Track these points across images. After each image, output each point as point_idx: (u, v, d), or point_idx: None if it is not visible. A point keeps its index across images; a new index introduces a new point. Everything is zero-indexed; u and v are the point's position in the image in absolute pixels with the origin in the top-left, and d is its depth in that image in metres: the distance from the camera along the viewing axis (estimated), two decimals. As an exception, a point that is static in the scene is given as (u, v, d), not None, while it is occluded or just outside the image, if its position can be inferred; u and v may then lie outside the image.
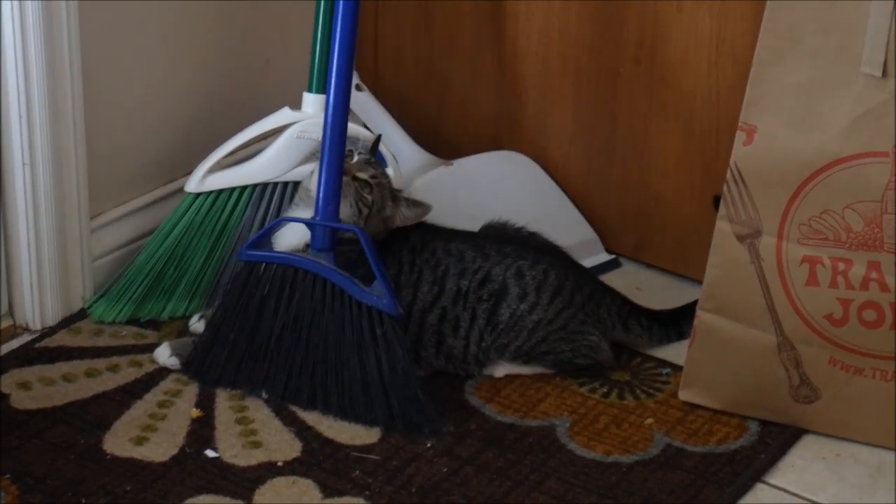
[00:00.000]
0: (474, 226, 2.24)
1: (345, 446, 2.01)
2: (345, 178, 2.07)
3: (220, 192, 2.24)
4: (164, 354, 2.15)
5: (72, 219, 2.21)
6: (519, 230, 2.22)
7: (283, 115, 2.24)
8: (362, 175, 2.09)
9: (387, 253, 2.11)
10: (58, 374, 2.13)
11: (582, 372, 2.16)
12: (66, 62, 2.13)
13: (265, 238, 2.10)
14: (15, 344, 2.19)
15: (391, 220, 2.12)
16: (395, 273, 2.11)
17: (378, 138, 2.17)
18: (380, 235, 2.11)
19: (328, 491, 1.94)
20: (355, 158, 2.10)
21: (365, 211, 2.08)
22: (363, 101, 2.44)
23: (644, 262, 2.43)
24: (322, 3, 2.21)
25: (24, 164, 2.14)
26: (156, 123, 2.32)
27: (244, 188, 2.24)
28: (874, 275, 1.96)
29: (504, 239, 2.19)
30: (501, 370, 2.16)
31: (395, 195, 2.13)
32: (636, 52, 2.32)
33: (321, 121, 2.10)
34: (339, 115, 2.08)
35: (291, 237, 2.11)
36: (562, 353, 2.14)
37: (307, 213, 2.09)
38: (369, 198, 2.08)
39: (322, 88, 2.20)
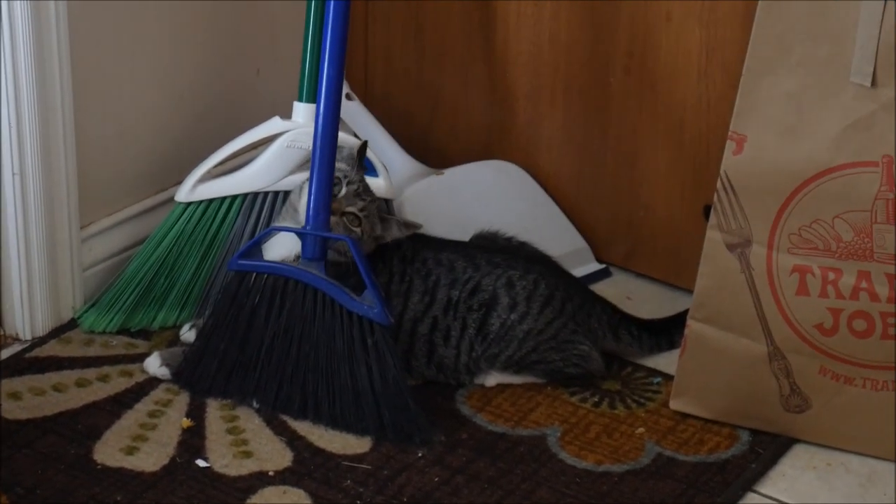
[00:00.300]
0: (465, 235, 2.24)
1: (336, 456, 2.01)
2: (333, 218, 2.06)
3: (210, 201, 2.24)
4: (154, 364, 2.15)
5: (62, 228, 2.21)
6: (509, 240, 2.23)
7: (273, 125, 2.24)
8: (351, 209, 2.08)
9: (377, 262, 2.11)
10: (48, 384, 2.13)
11: (573, 381, 2.16)
12: (56, 71, 2.12)
13: (255, 247, 2.10)
14: (5, 354, 2.19)
15: (382, 239, 2.12)
16: (385, 282, 2.11)
17: (364, 144, 2.17)
18: (370, 250, 2.11)
19: (319, 500, 1.94)
20: (343, 191, 2.09)
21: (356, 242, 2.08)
22: (353, 111, 2.44)
23: (635, 271, 2.43)
24: (312, 12, 2.21)
25: (13, 174, 2.14)
26: (146, 133, 2.32)
27: (234, 198, 2.24)
28: (864, 284, 1.96)
29: (494, 249, 2.19)
30: (492, 380, 2.16)
31: (384, 218, 2.12)
32: (626, 62, 2.33)
33: (311, 130, 2.10)
34: (330, 124, 2.08)
35: (281, 248, 2.10)
36: (552, 363, 2.14)
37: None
38: (358, 230, 2.08)
39: (312, 98, 2.20)
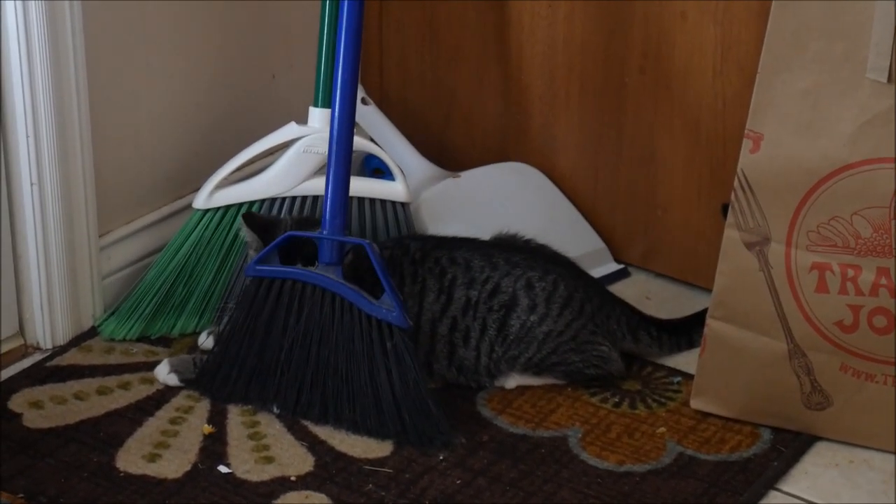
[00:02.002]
0: (482, 237, 2.23)
1: (357, 460, 2.01)
2: None
3: (228, 207, 2.24)
4: (162, 372, 2.15)
5: (80, 237, 2.21)
6: (528, 242, 2.22)
7: (289, 130, 2.25)
8: None
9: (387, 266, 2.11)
10: (69, 392, 2.13)
11: (593, 382, 2.16)
12: (73, 81, 2.13)
13: (273, 253, 2.10)
14: (26, 363, 2.19)
15: None
16: (396, 285, 2.11)
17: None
18: None
19: (341, 505, 1.94)
20: None
21: None
22: (369, 115, 2.45)
23: (653, 271, 2.43)
24: (326, 17, 2.21)
25: (31, 184, 2.15)
26: (163, 140, 2.33)
27: (252, 203, 2.25)
28: (884, 281, 1.96)
29: (513, 249, 2.19)
30: (513, 382, 2.16)
31: None
32: (641, 62, 2.33)
33: (328, 135, 2.10)
34: (345, 128, 2.08)
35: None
36: (572, 364, 2.14)
37: None
38: None
39: (328, 103, 2.20)
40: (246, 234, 2.14)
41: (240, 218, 2.16)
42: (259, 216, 2.17)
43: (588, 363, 2.14)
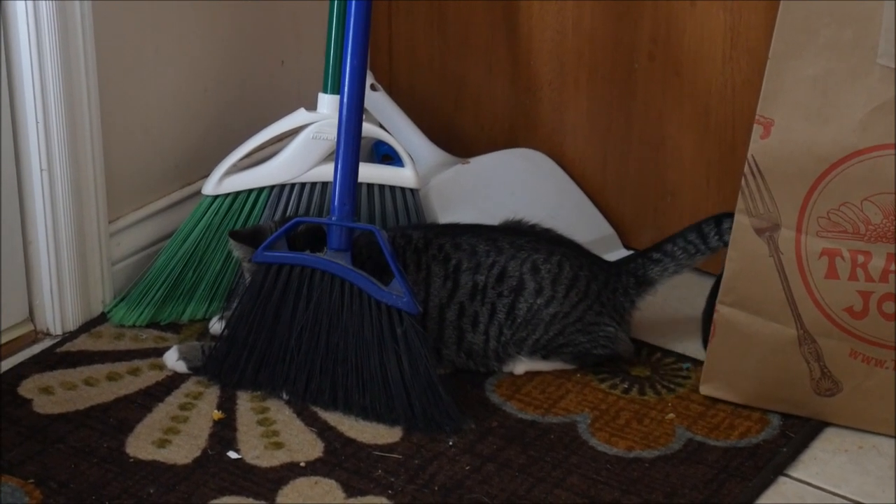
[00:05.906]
0: (491, 223, 2.23)
1: (367, 446, 2.02)
2: None
3: (237, 194, 2.25)
4: (171, 358, 2.15)
5: (90, 223, 2.22)
6: (533, 227, 2.22)
7: (298, 117, 2.25)
8: None
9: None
10: (79, 378, 2.14)
11: (602, 366, 2.16)
12: (82, 67, 2.13)
13: (281, 239, 2.10)
14: (36, 349, 2.20)
15: None
16: None
17: None
18: None
19: (351, 490, 1.94)
20: None
21: None
22: (378, 101, 2.45)
23: (662, 257, 2.43)
24: (336, 3, 2.21)
25: (41, 170, 2.15)
26: (172, 126, 2.33)
27: (261, 190, 2.25)
28: (893, 267, 1.95)
29: (518, 231, 2.18)
30: (522, 367, 2.16)
31: None
32: (650, 48, 2.33)
33: (337, 121, 2.10)
34: (354, 114, 2.08)
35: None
36: (580, 345, 2.14)
37: None
38: None
39: (337, 89, 2.20)
40: (238, 250, 2.13)
41: (228, 240, 2.15)
42: (243, 230, 2.16)
43: (595, 343, 2.15)
